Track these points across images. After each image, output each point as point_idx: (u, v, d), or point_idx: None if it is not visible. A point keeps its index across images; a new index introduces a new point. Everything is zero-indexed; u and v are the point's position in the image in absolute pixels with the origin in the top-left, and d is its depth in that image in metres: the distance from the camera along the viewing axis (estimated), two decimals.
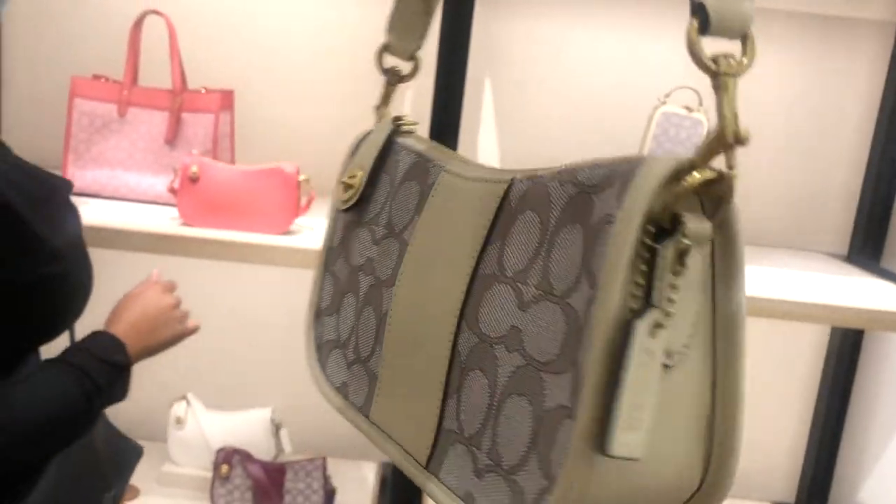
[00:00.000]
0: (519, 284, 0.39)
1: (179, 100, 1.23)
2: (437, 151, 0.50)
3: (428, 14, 0.54)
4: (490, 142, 1.56)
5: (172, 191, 1.10)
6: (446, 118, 1.15)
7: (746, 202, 1.29)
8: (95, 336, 0.82)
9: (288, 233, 1.08)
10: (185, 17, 1.37)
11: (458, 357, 0.42)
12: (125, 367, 0.82)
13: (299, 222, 1.12)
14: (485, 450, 0.39)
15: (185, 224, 1.08)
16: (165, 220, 1.11)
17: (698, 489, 0.36)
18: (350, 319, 0.52)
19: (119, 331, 0.86)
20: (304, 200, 1.09)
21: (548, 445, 0.36)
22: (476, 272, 0.42)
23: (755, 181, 1.45)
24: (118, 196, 1.23)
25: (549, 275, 0.38)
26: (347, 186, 0.54)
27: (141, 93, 1.24)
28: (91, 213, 1.12)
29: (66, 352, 0.79)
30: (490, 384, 0.40)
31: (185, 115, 1.23)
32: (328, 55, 1.49)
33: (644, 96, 1.35)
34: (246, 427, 1.35)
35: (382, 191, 0.52)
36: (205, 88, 1.25)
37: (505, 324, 0.40)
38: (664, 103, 1.29)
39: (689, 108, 1.28)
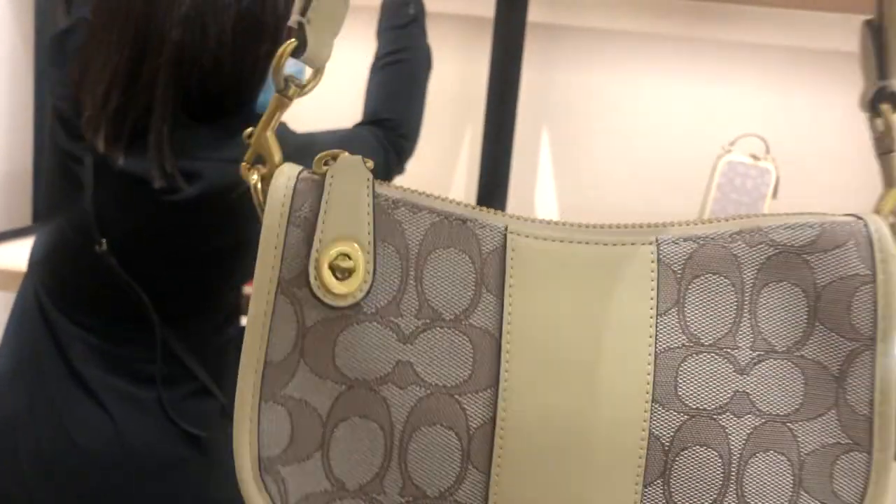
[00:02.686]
0: (728, 350, 0.39)
1: None
2: (449, 205, 0.40)
3: (346, 8, 0.42)
4: (548, 195, 1.51)
5: None
6: (495, 171, 1.03)
7: None
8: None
9: None
10: None
11: (658, 442, 0.39)
12: None
13: None
14: None
15: None
16: None
17: None
18: (366, 453, 0.38)
19: None
20: None
21: (824, 481, 0.40)
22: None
23: None
24: None
25: (761, 334, 0.40)
26: (341, 270, 0.37)
27: None
28: None
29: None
30: (721, 454, 0.39)
31: None
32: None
33: (708, 145, 1.27)
34: None
35: (388, 268, 0.38)
36: None
37: (724, 392, 0.39)
38: (729, 151, 1.22)
39: (755, 157, 1.20)
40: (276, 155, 0.39)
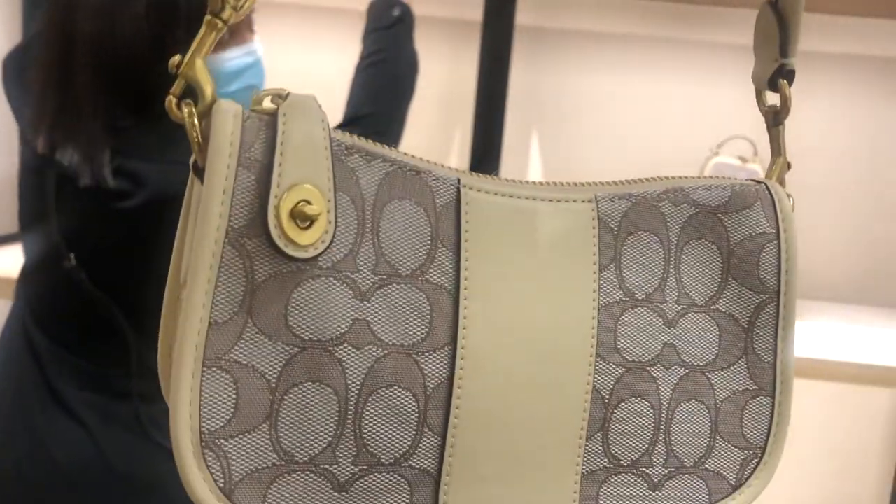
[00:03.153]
0: (658, 304, 0.42)
1: None
2: (401, 155, 0.38)
3: None
4: None
5: None
6: (485, 173, 1.06)
7: (813, 254, 1.33)
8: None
9: None
10: None
11: (599, 395, 0.40)
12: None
13: None
14: (658, 464, 0.42)
15: None
16: None
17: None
18: (319, 421, 0.35)
19: None
20: None
21: (735, 426, 0.43)
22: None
23: (822, 232, 1.34)
24: None
25: (684, 289, 0.43)
26: (303, 218, 0.33)
27: None
28: None
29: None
30: (653, 405, 0.41)
31: None
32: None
33: (696, 147, 1.21)
34: None
35: (345, 219, 0.35)
36: None
37: (656, 345, 0.41)
38: (717, 154, 1.19)
39: (743, 159, 1.16)
40: (208, 87, 0.34)
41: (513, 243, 0.39)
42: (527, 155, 1.53)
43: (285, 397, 0.34)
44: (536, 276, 0.39)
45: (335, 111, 1.24)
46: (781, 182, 0.47)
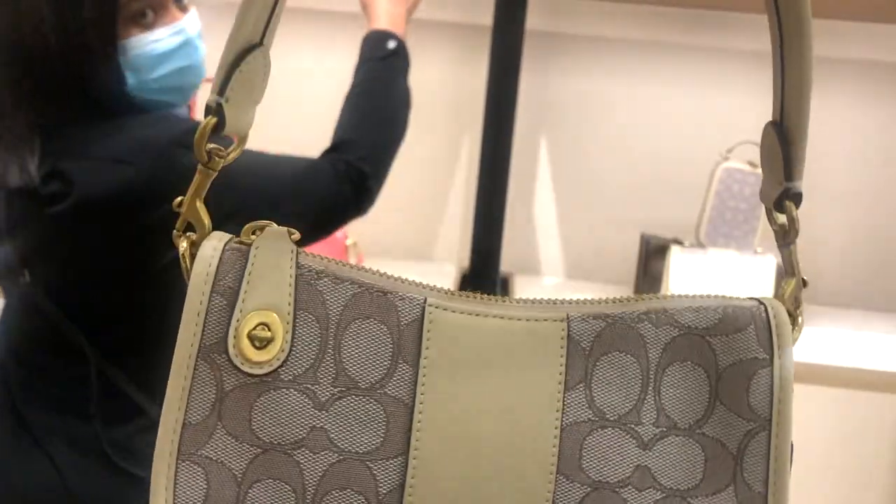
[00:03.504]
0: (632, 426, 0.41)
1: None
2: (372, 276, 0.42)
3: (267, 76, 0.43)
4: (546, 203, 1.52)
5: None
6: (494, 179, 1.05)
7: (824, 260, 1.35)
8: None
9: None
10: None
11: None
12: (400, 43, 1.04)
13: None
14: None
15: None
16: None
17: None
18: None
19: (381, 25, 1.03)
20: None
21: None
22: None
23: (833, 237, 1.40)
24: None
25: (664, 411, 0.42)
26: (259, 340, 0.38)
27: None
28: None
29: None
30: None
31: None
32: None
33: (706, 152, 1.27)
34: None
35: (307, 336, 0.40)
36: None
37: (627, 466, 0.41)
38: (727, 159, 1.22)
39: (753, 164, 1.20)
40: (206, 223, 0.41)
41: (474, 360, 0.41)
42: (535, 159, 1.52)
43: (249, 491, 0.39)
44: (497, 393, 0.41)
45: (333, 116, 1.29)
46: (797, 302, 0.45)
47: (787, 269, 0.45)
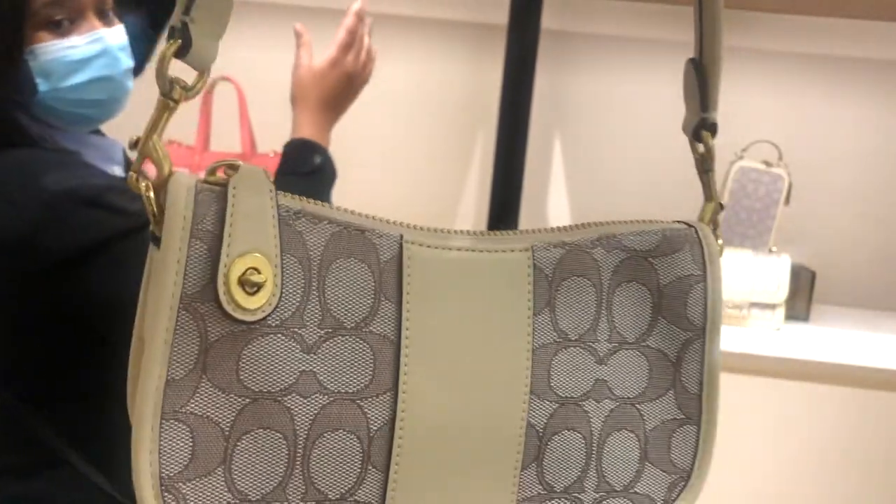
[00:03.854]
0: (590, 343, 0.45)
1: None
2: (347, 215, 0.41)
3: (231, 6, 0.40)
4: (561, 202, 1.47)
5: None
6: (509, 179, 0.92)
7: (837, 259, 1.36)
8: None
9: None
10: (254, 83, 1.38)
11: (533, 429, 0.43)
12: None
13: None
14: (590, 489, 0.45)
15: None
16: None
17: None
18: (270, 463, 0.38)
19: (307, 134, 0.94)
20: None
21: (663, 452, 0.47)
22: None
23: (846, 236, 1.36)
24: None
25: (615, 328, 0.46)
26: (250, 285, 0.37)
27: (212, 157, 1.26)
28: None
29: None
30: (584, 436, 0.45)
31: None
32: (395, 117, 1.45)
33: (720, 151, 1.27)
34: None
35: (292, 279, 0.38)
36: (273, 152, 1.25)
37: (587, 381, 0.45)
38: (741, 158, 1.19)
39: (767, 163, 1.16)
40: (167, 163, 0.37)
41: (452, 293, 0.42)
42: (549, 158, 1.52)
43: (238, 443, 0.38)
44: (474, 323, 0.42)
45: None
46: (715, 224, 0.50)
47: (707, 195, 0.50)
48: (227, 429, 0.37)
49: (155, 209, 0.37)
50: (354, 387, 0.40)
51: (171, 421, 0.36)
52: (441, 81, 1.47)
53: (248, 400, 0.37)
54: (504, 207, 1.18)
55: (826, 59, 1.44)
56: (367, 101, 1.42)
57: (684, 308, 0.47)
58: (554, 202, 1.54)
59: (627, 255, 0.46)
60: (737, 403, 1.50)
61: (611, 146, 1.50)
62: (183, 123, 1.41)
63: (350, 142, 1.49)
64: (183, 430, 0.37)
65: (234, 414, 0.37)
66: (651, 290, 0.47)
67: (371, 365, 0.40)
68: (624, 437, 0.46)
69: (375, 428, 0.40)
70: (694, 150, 0.50)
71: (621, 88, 1.49)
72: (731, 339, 1.04)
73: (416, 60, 1.50)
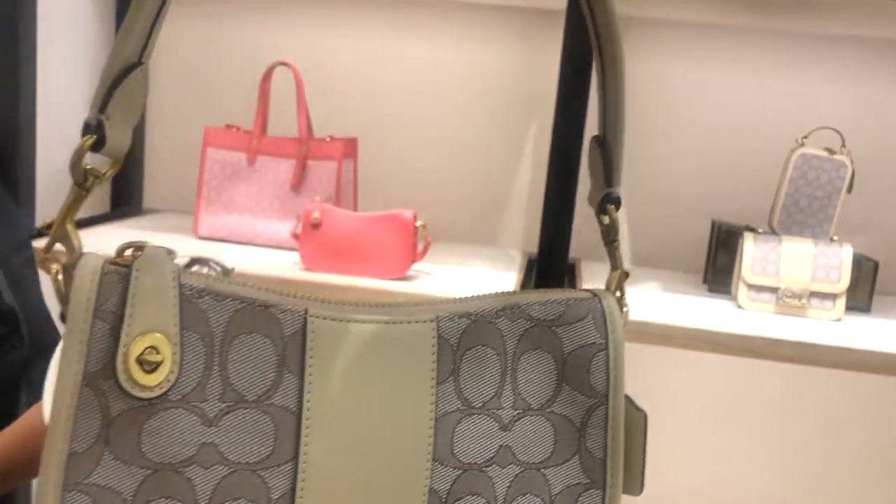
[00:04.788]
0: (494, 411, 0.47)
1: (305, 148, 1.28)
2: (253, 291, 0.43)
3: (146, 96, 0.43)
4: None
5: (295, 236, 1.14)
6: (565, 167, 0.98)
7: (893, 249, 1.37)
8: None
9: (405, 278, 1.11)
10: (311, 68, 1.44)
11: (436, 495, 0.44)
12: None
13: (416, 267, 1.16)
14: None
15: (306, 269, 1.13)
16: (288, 265, 1.15)
17: None
18: None
19: None
20: (420, 246, 1.12)
21: None
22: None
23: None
24: (245, 241, 1.28)
25: (520, 395, 0.48)
26: (148, 364, 0.39)
27: (269, 142, 1.31)
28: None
29: None
30: (489, 501, 0.46)
31: (310, 163, 1.29)
32: (450, 104, 1.47)
33: (780, 138, 1.21)
34: None
35: (193, 356, 0.41)
36: (330, 137, 1.30)
37: (491, 447, 0.46)
38: (802, 145, 1.16)
39: (830, 151, 1.14)
40: (77, 245, 0.40)
41: (355, 365, 0.44)
42: None
43: None
44: (377, 393, 0.44)
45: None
46: (622, 291, 0.52)
47: (612, 265, 0.52)
48: (130, 498, 0.39)
49: (63, 290, 0.39)
50: (255, 457, 0.41)
51: (74, 492, 0.38)
52: (494, 69, 1.49)
53: (149, 471, 0.39)
54: (561, 193, 1.14)
55: (890, 43, 1.40)
56: (422, 88, 1.45)
57: (587, 375, 0.49)
58: None
59: (532, 325, 0.48)
60: (796, 394, 1.47)
61: (666, 132, 1.47)
62: (241, 109, 1.48)
63: (407, 130, 1.50)
64: (85, 500, 0.38)
65: (136, 484, 0.39)
66: (555, 358, 0.48)
67: (272, 436, 0.42)
68: (530, 502, 0.47)
69: (276, 497, 0.42)
70: (600, 221, 0.52)
71: (676, 73, 1.46)
72: (790, 328, 1.04)
73: (472, 46, 1.50)
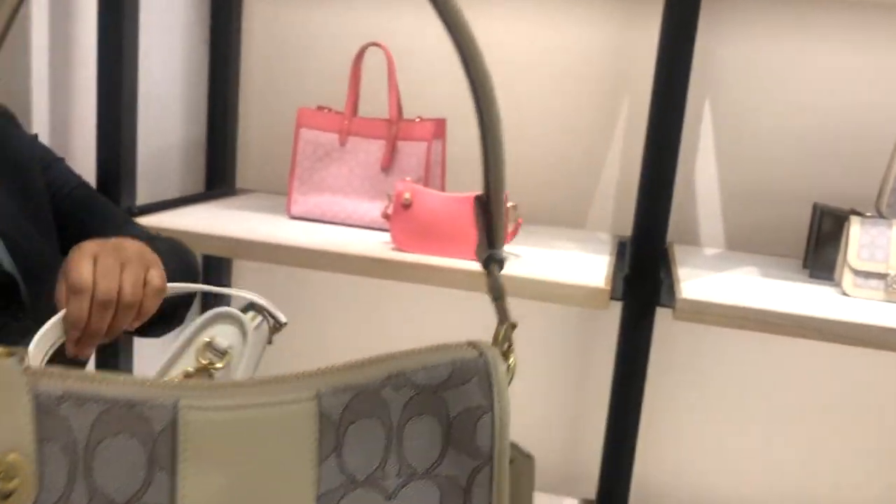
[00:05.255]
0: (379, 481, 0.47)
1: (395, 129, 1.30)
2: (121, 388, 0.41)
3: None
4: (709, 172, 1.42)
5: (386, 216, 1.16)
6: (663, 148, 1.00)
7: None
8: None
9: None
10: (402, 49, 1.47)
11: None
12: None
13: (505, 249, 1.09)
14: None
15: (397, 249, 1.15)
16: (378, 245, 1.18)
17: None
18: None
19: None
20: (510, 227, 1.11)
21: None
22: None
23: None
24: (336, 221, 1.33)
25: (406, 462, 0.48)
26: (4, 494, 0.37)
27: (360, 122, 1.33)
28: (312, 237, 1.22)
29: None
30: None
31: (400, 144, 1.30)
32: (542, 85, 1.48)
33: (887, 119, 1.12)
34: None
35: (55, 468, 0.39)
36: (419, 117, 1.32)
37: None
38: None
39: None
40: None
41: (231, 454, 0.43)
42: (698, 125, 1.45)
43: None
44: (256, 480, 0.43)
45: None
46: (510, 342, 0.52)
47: (499, 318, 0.52)
48: None
49: None
50: None
51: None
52: (587, 49, 1.47)
53: None
54: (657, 175, 1.11)
55: None
56: (512, 69, 1.44)
57: (473, 437, 0.49)
58: (701, 169, 1.47)
59: (416, 392, 0.47)
60: (882, 383, 1.46)
61: (764, 112, 1.43)
62: (331, 90, 1.49)
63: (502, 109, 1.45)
64: None
65: None
66: (441, 422, 0.48)
67: None
68: None
69: None
70: (486, 281, 0.52)
71: (776, 50, 1.42)
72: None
73: (565, 26, 1.48)
